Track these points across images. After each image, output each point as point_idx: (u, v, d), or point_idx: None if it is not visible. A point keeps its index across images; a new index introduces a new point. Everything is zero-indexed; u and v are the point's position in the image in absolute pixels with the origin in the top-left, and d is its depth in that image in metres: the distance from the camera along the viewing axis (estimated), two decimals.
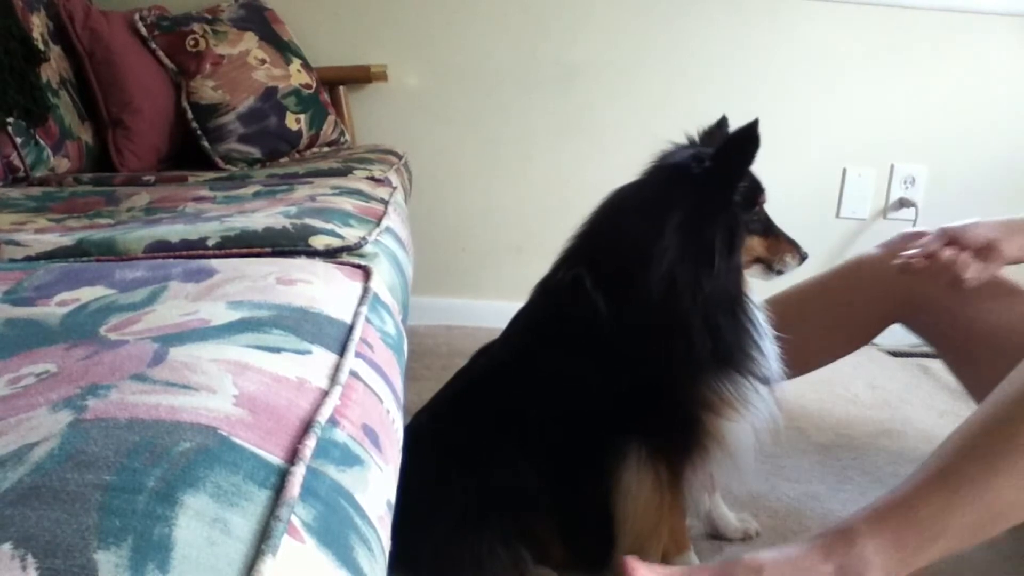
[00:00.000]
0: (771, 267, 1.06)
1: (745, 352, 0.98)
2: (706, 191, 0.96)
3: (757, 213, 1.04)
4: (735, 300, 0.99)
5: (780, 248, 1.06)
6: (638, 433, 0.98)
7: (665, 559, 1.02)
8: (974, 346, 1.22)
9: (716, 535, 1.19)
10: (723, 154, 0.97)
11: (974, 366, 1.26)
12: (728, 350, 0.97)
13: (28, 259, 0.84)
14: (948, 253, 1.12)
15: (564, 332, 1.00)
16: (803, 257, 1.07)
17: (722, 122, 1.10)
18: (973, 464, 0.86)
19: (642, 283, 0.94)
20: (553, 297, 1.04)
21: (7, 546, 0.30)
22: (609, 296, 0.96)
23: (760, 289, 1.07)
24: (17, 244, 0.87)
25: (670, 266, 0.93)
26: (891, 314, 1.31)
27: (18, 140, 1.45)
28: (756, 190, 1.02)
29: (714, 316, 0.96)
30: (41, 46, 1.55)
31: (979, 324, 1.20)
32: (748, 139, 0.95)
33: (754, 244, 1.04)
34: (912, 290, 1.24)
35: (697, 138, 1.10)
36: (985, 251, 1.10)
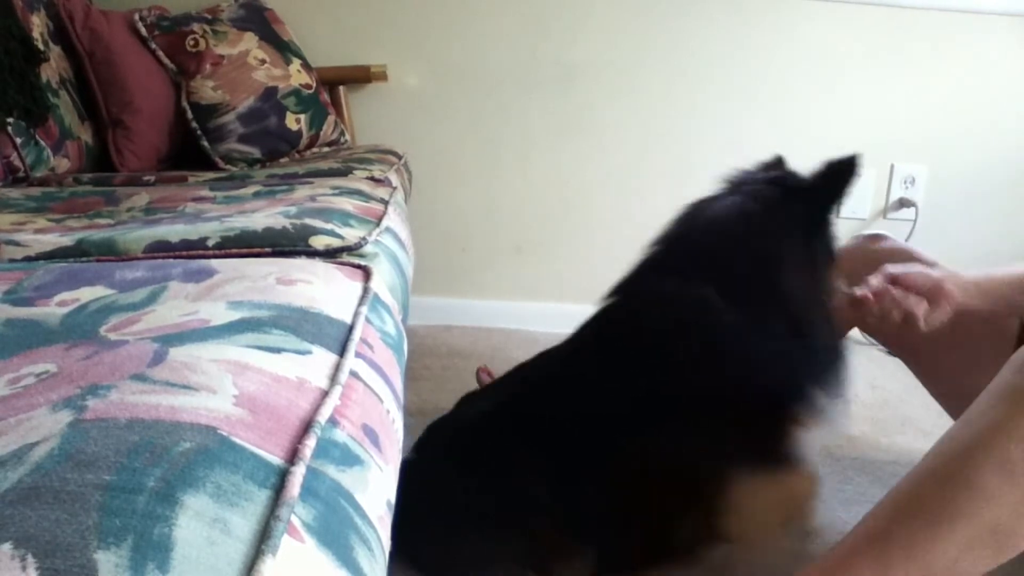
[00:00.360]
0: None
1: (839, 367, 1.02)
2: (814, 208, 1.02)
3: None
4: (832, 316, 1.04)
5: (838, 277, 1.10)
6: (741, 451, 0.98)
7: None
8: (921, 347, 1.23)
9: None
10: (830, 175, 1.02)
11: (923, 365, 1.27)
12: (833, 364, 1.01)
13: (28, 259, 0.84)
14: (896, 292, 1.11)
15: (675, 344, 0.99)
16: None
17: (779, 160, 1.13)
18: (911, 528, 0.84)
19: (777, 295, 0.97)
20: (658, 307, 1.02)
21: (7, 546, 0.30)
22: (736, 307, 0.96)
23: None
24: (17, 244, 0.87)
25: (799, 279, 0.98)
26: (846, 321, 1.31)
27: (18, 140, 1.45)
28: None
29: (829, 330, 1.01)
30: (41, 46, 1.55)
31: (933, 331, 1.20)
32: (852, 166, 1.01)
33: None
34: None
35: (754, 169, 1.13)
36: (934, 292, 1.10)
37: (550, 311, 2.23)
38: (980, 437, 0.86)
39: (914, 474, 0.90)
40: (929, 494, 0.86)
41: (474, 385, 1.53)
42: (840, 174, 1.01)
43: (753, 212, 1.03)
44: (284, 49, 1.90)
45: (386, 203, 1.22)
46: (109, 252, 0.85)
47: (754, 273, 0.99)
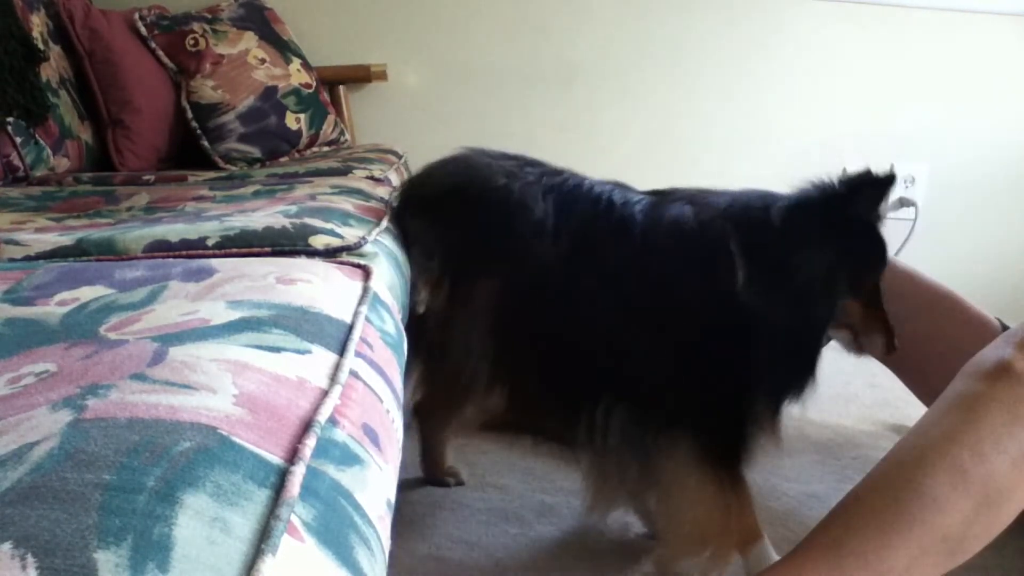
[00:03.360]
0: (857, 340, 1.03)
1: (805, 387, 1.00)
2: (836, 226, 0.98)
3: (872, 281, 1.02)
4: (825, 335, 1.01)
5: (874, 326, 1.02)
6: (691, 424, 0.98)
7: (742, 555, 1.03)
8: (910, 356, 1.22)
9: None
10: (858, 185, 0.99)
11: (914, 374, 1.26)
12: (804, 381, 0.99)
13: (28, 259, 0.84)
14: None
15: (686, 263, 0.99)
16: (892, 349, 1.03)
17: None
18: (864, 537, 0.84)
19: (792, 284, 0.95)
20: (688, 226, 1.00)
21: (7, 546, 0.30)
22: (754, 274, 0.95)
23: None
24: (17, 243, 0.87)
25: (818, 283, 0.95)
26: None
27: (18, 140, 1.45)
28: (880, 258, 1.02)
29: (818, 342, 0.98)
30: (41, 45, 1.55)
31: (911, 335, 1.20)
32: (878, 182, 0.99)
33: (854, 309, 1.01)
34: None
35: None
36: None
37: None
38: (932, 445, 0.86)
39: (867, 482, 0.90)
40: (882, 502, 0.86)
41: None
42: (865, 187, 0.98)
43: (786, 208, 1.00)
44: (284, 48, 1.90)
45: (386, 203, 1.22)
46: (109, 251, 0.85)
47: (767, 247, 0.97)
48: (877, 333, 1.02)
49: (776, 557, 1.03)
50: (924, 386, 1.27)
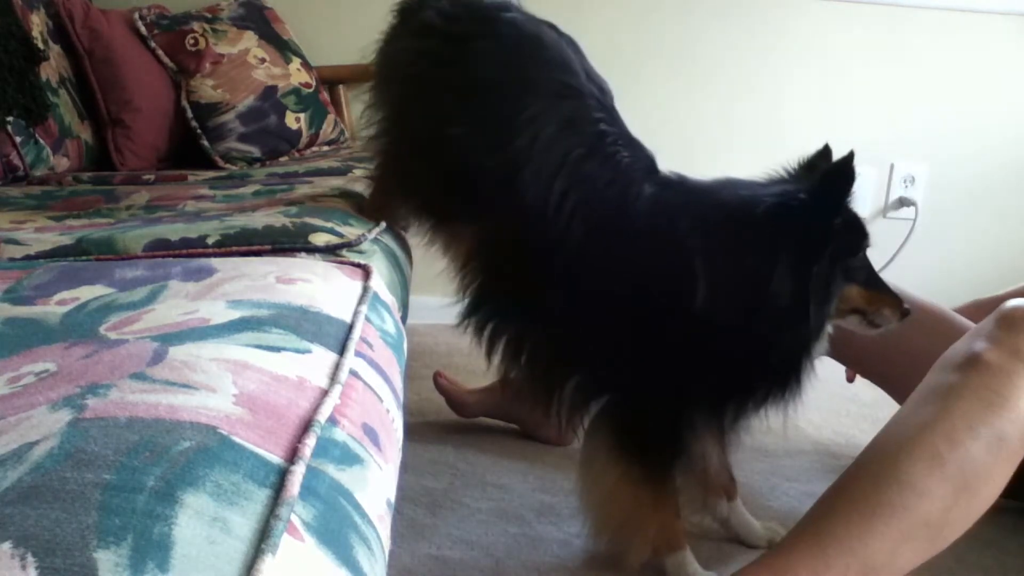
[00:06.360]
0: (869, 320, 1.01)
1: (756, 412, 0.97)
2: (807, 232, 0.92)
3: (860, 260, 0.99)
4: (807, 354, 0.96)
5: (880, 300, 1.00)
6: (622, 417, 0.98)
7: (657, 556, 1.03)
8: (898, 374, 1.20)
9: (740, 541, 1.18)
10: (818, 191, 0.93)
11: (904, 392, 1.26)
12: (753, 404, 0.97)
13: (28, 258, 0.84)
14: None
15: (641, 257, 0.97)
16: (905, 313, 1.00)
17: (825, 152, 1.03)
18: (847, 524, 0.86)
19: (755, 309, 0.91)
20: (655, 218, 1.00)
21: (7, 545, 0.30)
22: (712, 284, 0.92)
23: None
24: (17, 243, 0.87)
25: (781, 308, 0.91)
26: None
27: (18, 139, 1.45)
28: (861, 235, 0.97)
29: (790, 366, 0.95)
30: (41, 45, 1.55)
31: (899, 352, 1.18)
32: (844, 173, 0.91)
33: (853, 294, 0.98)
34: None
35: (797, 168, 1.03)
36: None
37: None
38: (907, 434, 0.89)
39: (849, 472, 0.92)
40: (863, 490, 0.88)
41: (471, 385, 1.52)
42: (834, 184, 0.92)
43: (740, 217, 0.97)
44: (284, 48, 1.90)
45: None
46: (109, 251, 0.85)
47: (725, 266, 0.94)
48: (885, 307, 1.00)
49: (700, 572, 1.04)
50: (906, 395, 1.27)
